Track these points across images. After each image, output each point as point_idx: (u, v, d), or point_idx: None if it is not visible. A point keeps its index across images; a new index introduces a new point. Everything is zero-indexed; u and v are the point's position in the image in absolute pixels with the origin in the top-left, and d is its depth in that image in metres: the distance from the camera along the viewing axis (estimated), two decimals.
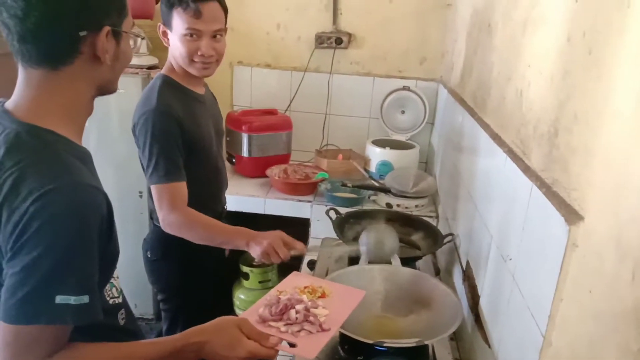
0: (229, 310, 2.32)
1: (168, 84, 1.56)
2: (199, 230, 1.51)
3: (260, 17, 2.65)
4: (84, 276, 0.75)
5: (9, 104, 0.83)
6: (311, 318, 1.11)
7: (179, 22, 1.49)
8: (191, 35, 1.49)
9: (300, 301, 1.16)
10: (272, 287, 2.46)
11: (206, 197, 1.66)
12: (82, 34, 0.80)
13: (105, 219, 0.80)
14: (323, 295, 1.25)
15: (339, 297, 1.24)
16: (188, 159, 1.54)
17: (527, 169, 1.05)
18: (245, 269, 2.37)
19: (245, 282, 2.43)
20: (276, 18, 2.65)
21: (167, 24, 1.54)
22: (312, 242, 2.16)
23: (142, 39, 0.99)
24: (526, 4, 1.18)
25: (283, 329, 1.09)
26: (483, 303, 1.32)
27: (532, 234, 0.99)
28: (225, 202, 1.86)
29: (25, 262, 0.72)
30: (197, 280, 1.70)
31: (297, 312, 1.12)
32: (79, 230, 0.75)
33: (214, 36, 1.52)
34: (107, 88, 0.90)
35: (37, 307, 0.72)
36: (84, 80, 0.84)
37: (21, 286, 0.71)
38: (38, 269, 0.72)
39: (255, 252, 1.45)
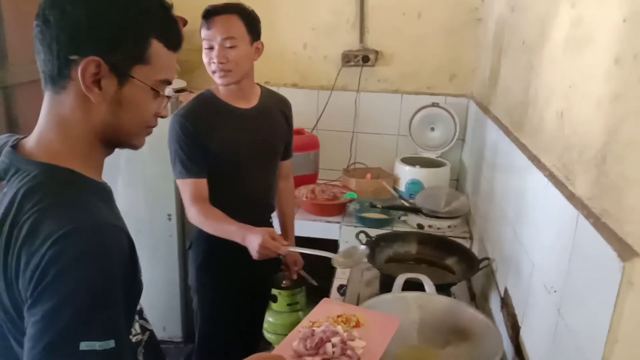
0: (260, 333, 2.27)
1: (203, 97, 1.68)
2: (208, 228, 1.60)
3: (287, 38, 2.65)
4: (109, 320, 0.72)
5: (28, 140, 0.81)
6: (349, 352, 1.07)
7: (202, 37, 1.61)
8: (207, 47, 1.59)
9: (336, 333, 1.12)
10: (300, 310, 2.44)
11: (235, 212, 1.60)
12: (72, 57, 0.75)
13: (127, 258, 0.77)
14: (357, 325, 1.21)
15: (374, 326, 1.20)
16: (212, 167, 1.63)
17: (571, 196, 0.99)
18: (273, 291, 2.33)
19: (273, 305, 2.40)
20: (303, 38, 2.64)
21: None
22: None
23: (169, 99, 0.91)
24: (566, 22, 1.12)
25: None
26: (524, 334, 1.25)
27: (580, 267, 0.92)
28: (267, 223, 1.83)
29: (46, 310, 0.68)
30: (214, 276, 1.75)
31: (333, 345, 1.08)
32: (101, 273, 0.71)
33: (226, 45, 1.58)
34: (113, 135, 0.82)
35: (61, 355, 0.68)
36: (80, 114, 0.78)
37: (43, 335, 0.68)
38: (60, 316, 0.68)
39: (252, 253, 1.50)
